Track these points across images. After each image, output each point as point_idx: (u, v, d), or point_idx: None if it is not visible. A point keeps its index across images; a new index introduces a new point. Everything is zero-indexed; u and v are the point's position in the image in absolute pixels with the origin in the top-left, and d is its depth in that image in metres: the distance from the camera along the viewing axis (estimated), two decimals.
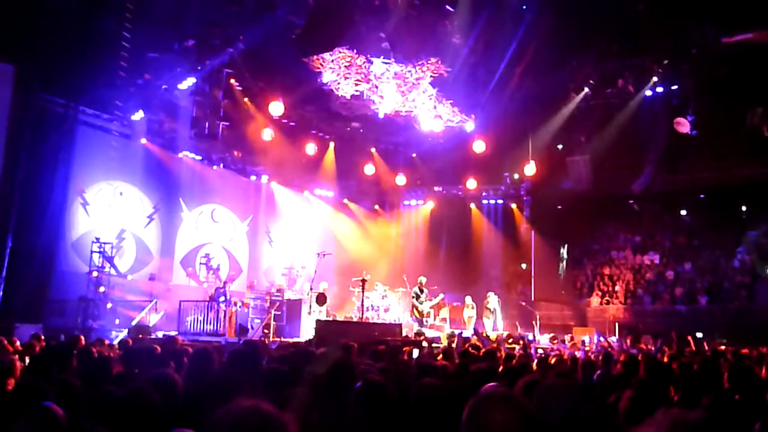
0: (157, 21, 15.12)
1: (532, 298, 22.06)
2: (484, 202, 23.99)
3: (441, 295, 18.14)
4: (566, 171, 21.40)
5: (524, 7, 16.35)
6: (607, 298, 22.35)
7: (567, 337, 17.68)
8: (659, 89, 18.07)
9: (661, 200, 22.88)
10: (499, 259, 23.16)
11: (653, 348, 15.18)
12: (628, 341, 17.44)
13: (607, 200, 22.17)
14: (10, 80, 14.28)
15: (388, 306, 18.22)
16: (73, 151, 15.77)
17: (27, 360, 7.34)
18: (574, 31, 16.38)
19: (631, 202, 23.33)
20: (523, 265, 23.30)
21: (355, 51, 16.54)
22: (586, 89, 18.81)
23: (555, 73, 18.59)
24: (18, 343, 8.77)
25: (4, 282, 13.85)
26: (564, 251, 22.05)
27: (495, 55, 17.23)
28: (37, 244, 14.82)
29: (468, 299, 18.74)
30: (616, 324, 19.76)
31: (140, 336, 13.19)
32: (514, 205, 23.62)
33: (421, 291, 17.40)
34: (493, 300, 18.61)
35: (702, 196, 22.66)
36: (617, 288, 22.52)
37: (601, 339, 17.74)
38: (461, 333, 15.96)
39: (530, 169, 20.40)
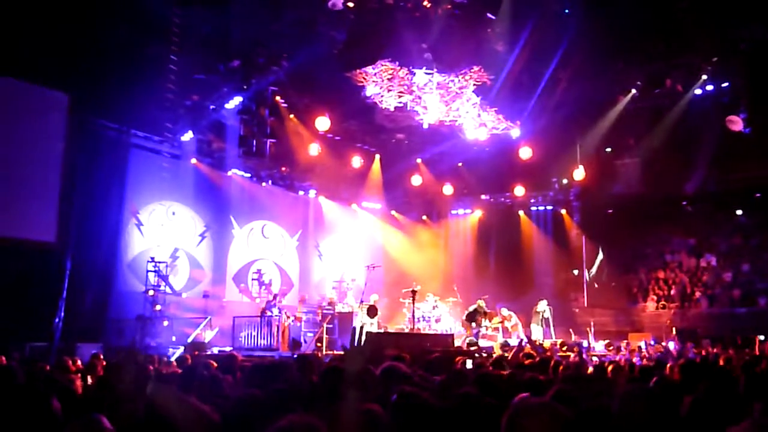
0: (202, 43, 15.49)
1: (585, 305, 21.72)
2: (533, 208, 23.75)
3: (497, 318, 18.04)
4: (616, 174, 21.07)
5: (567, 11, 16.21)
6: (662, 302, 21.86)
7: (623, 344, 17.36)
8: (709, 87, 17.67)
9: (714, 200, 22.28)
10: (550, 265, 22.87)
11: (713, 352, 14.81)
12: (686, 346, 17.03)
13: (658, 203, 21.70)
14: (65, 108, 14.83)
15: (440, 316, 18.17)
16: (127, 173, 16.22)
17: (89, 379, 7.58)
18: (619, 33, 16.13)
19: (684, 203, 22.79)
20: (575, 272, 22.97)
21: (397, 63, 16.61)
22: (634, 91, 18.50)
23: (601, 76, 18.33)
24: (79, 362, 9.02)
25: (65, 303, 14.29)
26: (600, 254, 21.70)
27: (539, 61, 17.08)
28: (94, 265, 15.25)
29: (504, 311, 18.49)
30: (674, 328, 19.29)
31: (196, 352, 13.42)
32: (563, 211, 23.32)
33: (477, 312, 17.28)
34: (543, 306, 18.38)
35: (757, 195, 22.00)
36: (673, 292, 22.02)
37: (659, 344, 17.35)
38: (522, 341, 15.79)
39: (579, 173, 20.15)
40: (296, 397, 3.84)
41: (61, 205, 14.70)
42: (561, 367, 6.97)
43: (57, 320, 14.14)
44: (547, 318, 18.25)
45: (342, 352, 10.54)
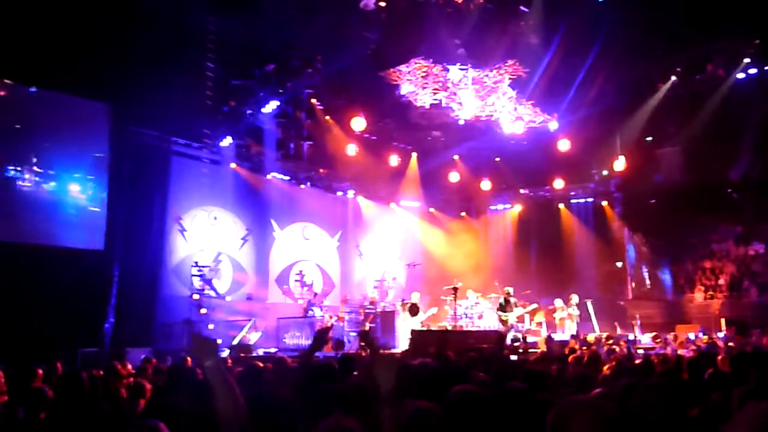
0: (238, 49, 15.71)
1: (630, 297, 21.41)
2: (573, 201, 23.49)
3: (534, 305, 17.91)
4: (657, 164, 20.72)
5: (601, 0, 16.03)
6: (710, 292, 21.42)
7: (671, 336, 17.06)
8: (752, 71, 17.29)
9: (761, 187, 21.74)
10: (593, 258, 22.59)
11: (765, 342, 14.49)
12: (737, 336, 16.67)
13: (702, 191, 21.23)
14: (107, 118, 15.20)
15: (482, 313, 18.11)
16: (169, 180, 16.52)
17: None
18: (657, 19, 15.88)
19: (729, 191, 22.28)
20: (619, 264, 22.65)
21: (431, 60, 16.62)
22: (674, 78, 18.19)
23: (640, 64, 18.06)
24: (129, 366, 9.21)
25: (114, 309, 14.63)
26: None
27: (575, 51, 16.91)
28: (141, 271, 15.58)
29: (558, 302, 18.36)
30: (723, 319, 18.89)
31: (242, 355, 13.61)
32: (604, 203, 23.00)
33: (507, 302, 17.19)
34: (575, 301, 18.16)
35: None
36: (721, 281, 21.57)
37: (708, 336, 17.02)
38: (579, 335, 15.63)
39: (619, 164, 19.87)
40: (339, 398, 3.87)
41: (108, 213, 15.07)
42: (610, 363, 6.90)
43: (107, 326, 14.49)
44: (575, 314, 18.02)
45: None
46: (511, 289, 17.60)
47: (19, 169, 14.06)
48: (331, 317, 16.58)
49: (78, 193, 14.91)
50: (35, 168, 14.34)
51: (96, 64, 13.44)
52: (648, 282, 22.26)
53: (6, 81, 13.91)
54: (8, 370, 7.20)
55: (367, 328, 16.01)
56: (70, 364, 10.84)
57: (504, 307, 17.14)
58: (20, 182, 14.08)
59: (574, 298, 18.16)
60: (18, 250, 13.76)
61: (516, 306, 17.38)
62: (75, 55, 13.07)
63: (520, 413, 3.35)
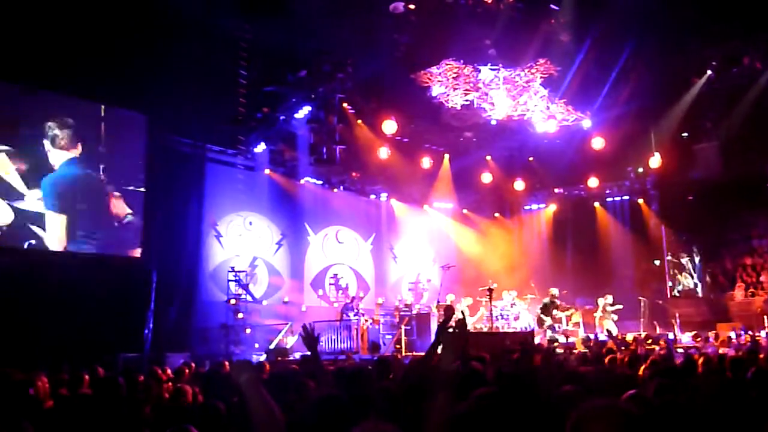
0: (270, 56, 15.86)
1: (669, 295, 21.10)
2: (609, 199, 23.24)
3: (572, 309, 17.78)
4: (694, 160, 20.39)
5: None
6: (751, 289, 21.00)
7: (711, 334, 16.77)
8: None
9: None
10: (630, 257, 22.30)
11: None
12: None
13: (741, 186, 20.82)
14: (144, 128, 15.50)
15: (518, 314, 18.00)
16: (204, 186, 16.74)
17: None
18: (691, 13, 15.63)
19: None
20: (656, 262, 22.33)
21: (461, 61, 16.59)
22: (709, 72, 17.89)
23: (674, 59, 17.79)
24: (169, 371, 9.34)
25: (153, 315, 14.86)
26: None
27: (607, 48, 16.74)
28: (178, 277, 15.81)
29: (600, 301, 18.19)
30: (765, 316, 18.51)
31: (278, 358, 13.71)
32: (640, 200, 22.71)
33: (552, 303, 17.06)
34: (609, 300, 17.95)
35: None
36: (762, 278, 21.13)
37: (750, 334, 16.69)
38: (617, 336, 15.46)
39: (655, 161, 19.61)
40: (375, 402, 3.87)
41: (145, 221, 15.33)
42: (648, 362, 6.80)
43: (146, 331, 14.72)
44: (610, 312, 17.81)
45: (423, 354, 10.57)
46: (556, 291, 17.46)
47: None
48: (366, 320, 16.63)
49: (118, 202, 15.20)
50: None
51: (133, 75, 13.71)
52: (687, 280, 21.91)
53: (49, 91, 14.26)
54: (53, 375, 7.37)
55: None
56: (112, 370, 11.05)
57: (548, 308, 17.01)
58: None
59: (609, 299, 17.97)
60: (61, 257, 14.09)
61: (557, 308, 17.24)
62: (113, 66, 13.34)
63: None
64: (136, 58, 13.48)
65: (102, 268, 14.31)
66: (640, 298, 18.11)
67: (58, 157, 14.24)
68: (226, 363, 9.83)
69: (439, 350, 4.19)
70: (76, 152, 14.50)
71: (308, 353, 4.85)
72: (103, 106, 15.06)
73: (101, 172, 14.96)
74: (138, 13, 13.45)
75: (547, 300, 17.22)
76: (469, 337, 12.78)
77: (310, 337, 4.59)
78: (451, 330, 4.26)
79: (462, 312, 16.57)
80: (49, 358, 10.83)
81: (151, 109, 15.34)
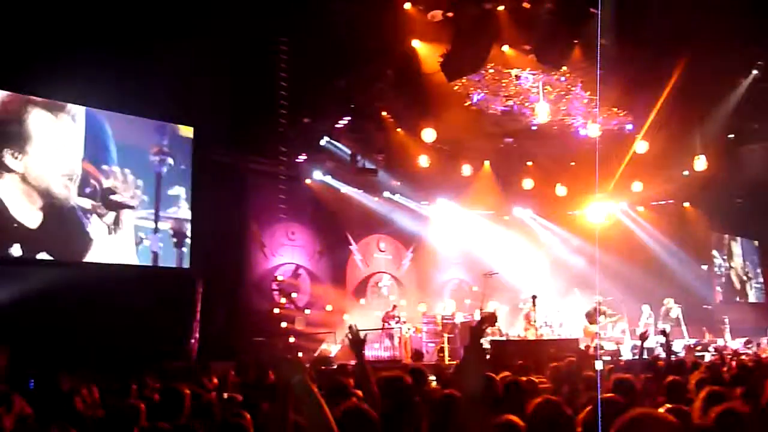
0: (309, 66, 16.00)
1: (718, 301, 20.62)
2: (654, 203, 22.83)
3: (618, 315, 17.51)
4: (741, 161, 19.93)
5: None
6: None
7: (764, 340, 16.35)
8: None
9: None
10: (676, 262, 21.88)
11: None
12: None
13: None
14: (190, 141, 15.84)
15: (563, 321, 17.79)
16: (247, 197, 16.96)
17: (225, 396, 7.94)
18: (736, 10, 15.29)
19: None
20: (704, 267, 21.85)
21: (500, 67, 16.49)
22: (755, 71, 17.46)
23: (719, 58, 17.41)
24: (216, 380, 9.45)
25: (199, 324, 15.09)
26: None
27: (649, 49, 16.48)
28: (223, 286, 16.04)
29: (645, 308, 17.87)
30: None
31: (322, 367, 13.76)
32: (686, 204, 22.27)
33: (596, 310, 16.81)
34: (670, 304, 17.58)
35: None
36: None
37: None
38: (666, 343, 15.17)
39: (700, 163, 19.20)
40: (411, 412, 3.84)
41: (192, 232, 15.61)
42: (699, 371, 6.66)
43: (192, 340, 14.95)
44: (677, 317, 17.44)
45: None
46: (600, 298, 17.24)
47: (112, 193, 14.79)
48: (409, 329, 16.61)
49: (166, 213, 15.54)
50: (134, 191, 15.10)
51: (182, 92, 14.04)
52: (736, 284, 21.40)
53: (103, 110, 14.73)
54: (103, 385, 7.53)
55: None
56: (161, 379, 11.24)
57: (592, 316, 16.77)
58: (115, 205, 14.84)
59: (669, 302, 17.65)
60: (110, 270, 14.42)
61: (603, 314, 16.99)
62: (162, 83, 13.65)
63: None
64: (183, 72, 13.77)
65: (150, 279, 14.63)
66: (676, 305, 17.66)
67: None
68: (271, 372, 9.93)
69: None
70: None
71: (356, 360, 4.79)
72: (154, 121, 15.49)
73: (152, 184, 15.38)
74: (179, 27, 13.74)
75: (591, 307, 16.98)
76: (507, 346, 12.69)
77: (356, 339, 4.55)
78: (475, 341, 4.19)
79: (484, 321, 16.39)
80: (99, 368, 11.07)
81: (198, 123, 15.70)
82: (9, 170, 13.33)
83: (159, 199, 15.47)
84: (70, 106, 14.40)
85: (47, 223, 13.71)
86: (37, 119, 13.84)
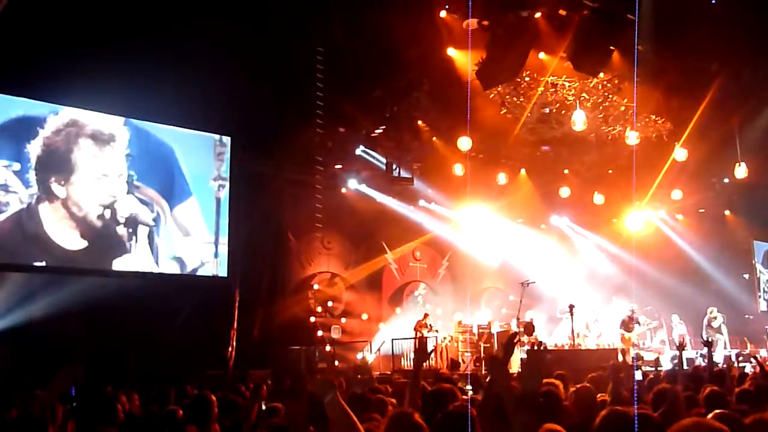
0: (345, 75, 16.12)
1: (760, 310, 20.17)
2: (693, 211, 22.44)
3: (655, 323, 17.24)
4: None
5: (713, 1, 15.34)
6: None
7: None
8: None
9: None
10: (717, 271, 21.45)
11: None
12: None
13: None
14: (227, 150, 16.08)
15: (601, 331, 17.58)
16: (284, 206, 17.12)
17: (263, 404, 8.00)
18: None
19: None
20: (746, 275, 21.39)
21: (536, 75, 16.41)
22: None
23: (758, 64, 17.09)
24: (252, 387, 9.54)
25: (236, 332, 15.25)
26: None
27: (688, 56, 16.26)
28: (259, 294, 16.19)
29: (675, 317, 17.56)
30: None
31: (359, 376, 13.79)
32: (727, 212, 21.85)
33: (630, 319, 16.58)
34: (714, 314, 17.23)
35: None
36: None
37: None
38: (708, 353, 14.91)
39: (741, 171, 18.84)
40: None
41: (230, 240, 15.81)
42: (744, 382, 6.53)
43: (230, 349, 15.10)
44: (719, 327, 17.09)
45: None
46: (635, 306, 17.00)
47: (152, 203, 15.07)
48: (444, 338, 16.56)
49: (204, 222, 15.78)
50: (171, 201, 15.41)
51: (220, 102, 14.27)
52: None
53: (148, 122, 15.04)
54: (143, 392, 7.66)
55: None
56: (199, 387, 11.38)
57: (627, 324, 16.54)
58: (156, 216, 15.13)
59: (713, 312, 17.33)
60: (148, 279, 14.66)
61: (640, 323, 16.75)
62: (200, 91, 13.90)
63: None
64: (224, 87, 14.00)
65: (188, 287, 14.83)
66: (718, 315, 17.28)
67: None
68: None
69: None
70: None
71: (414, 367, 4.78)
72: (193, 131, 15.80)
73: (191, 193, 15.66)
74: (217, 39, 13.96)
75: (626, 316, 16.73)
76: (544, 356, 12.51)
77: (422, 351, 4.57)
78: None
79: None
80: (140, 375, 11.25)
81: (235, 132, 15.92)
82: (61, 185, 13.74)
83: (218, 225, 15.82)
84: (113, 124, 14.74)
85: (93, 236, 14.07)
86: (84, 140, 14.27)
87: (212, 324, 14.80)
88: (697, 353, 16.11)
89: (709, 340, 14.97)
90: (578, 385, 5.14)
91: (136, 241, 14.66)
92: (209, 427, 4.74)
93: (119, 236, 14.46)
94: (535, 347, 4.24)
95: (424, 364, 4.45)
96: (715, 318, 17.13)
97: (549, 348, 16.58)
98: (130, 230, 14.61)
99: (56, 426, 5.15)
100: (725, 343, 17.06)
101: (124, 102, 14.27)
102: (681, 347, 9.63)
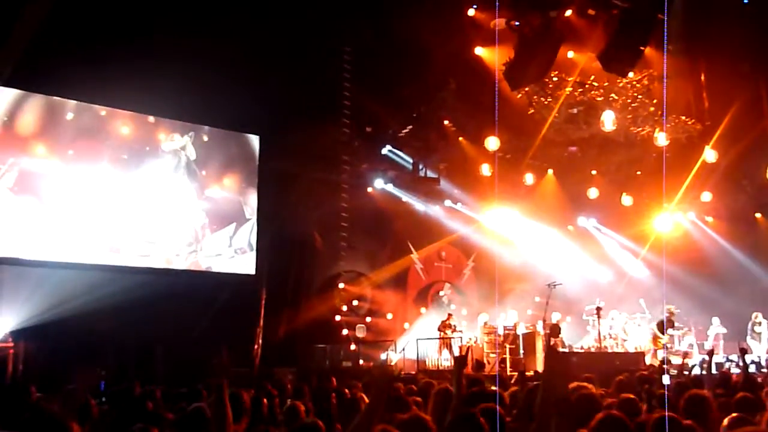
0: (373, 76, 16.16)
1: None
2: (724, 214, 22.09)
3: (685, 329, 17.02)
4: None
5: (745, 1, 15.14)
6: None
7: None
8: None
9: None
10: (748, 274, 21.09)
11: None
12: None
13: None
14: (256, 148, 16.20)
15: (628, 333, 17.40)
16: (311, 205, 17.18)
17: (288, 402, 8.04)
18: None
19: None
20: None
21: (564, 75, 16.31)
22: None
23: None
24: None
25: (262, 330, 15.35)
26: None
27: (719, 56, 16.05)
28: (286, 292, 16.27)
29: (715, 320, 17.31)
30: None
31: (383, 375, 13.78)
32: (758, 215, 21.49)
33: (668, 321, 16.35)
34: (759, 319, 16.96)
35: None
36: None
37: None
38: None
39: None
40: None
41: (258, 238, 15.92)
42: None
43: (256, 346, 15.21)
44: (760, 332, 16.83)
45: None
46: (673, 307, 16.78)
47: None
48: (469, 339, 16.51)
49: (234, 219, 15.96)
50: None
51: (249, 103, 14.40)
52: None
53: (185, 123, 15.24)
54: (170, 390, 7.73)
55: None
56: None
57: (663, 326, 16.29)
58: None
59: (759, 317, 17.05)
60: (175, 275, 14.81)
61: (674, 326, 16.54)
62: (230, 91, 14.03)
63: None
64: (253, 87, 14.10)
65: (216, 285, 14.96)
66: (757, 318, 16.95)
67: None
68: (333, 378, 10.01)
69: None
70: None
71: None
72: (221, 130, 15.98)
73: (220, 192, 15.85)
74: (246, 39, 14.07)
75: (663, 317, 16.49)
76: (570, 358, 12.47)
77: (461, 359, 4.59)
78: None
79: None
80: (167, 372, 11.36)
81: (264, 131, 16.04)
82: None
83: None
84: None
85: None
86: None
87: (239, 321, 14.90)
88: (725, 358, 15.90)
89: (745, 347, 14.80)
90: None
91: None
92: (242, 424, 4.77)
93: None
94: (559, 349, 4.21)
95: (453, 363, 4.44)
96: (760, 323, 16.87)
97: (575, 350, 16.47)
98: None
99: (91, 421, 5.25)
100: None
101: (154, 101, 14.43)
102: (710, 353, 9.54)
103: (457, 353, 15.71)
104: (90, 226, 13.93)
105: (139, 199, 14.65)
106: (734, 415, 3.89)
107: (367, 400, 5.74)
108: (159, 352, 13.66)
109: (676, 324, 16.74)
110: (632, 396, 5.03)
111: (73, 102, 14.18)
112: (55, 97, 14.00)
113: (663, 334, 16.23)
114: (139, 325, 13.16)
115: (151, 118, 15.16)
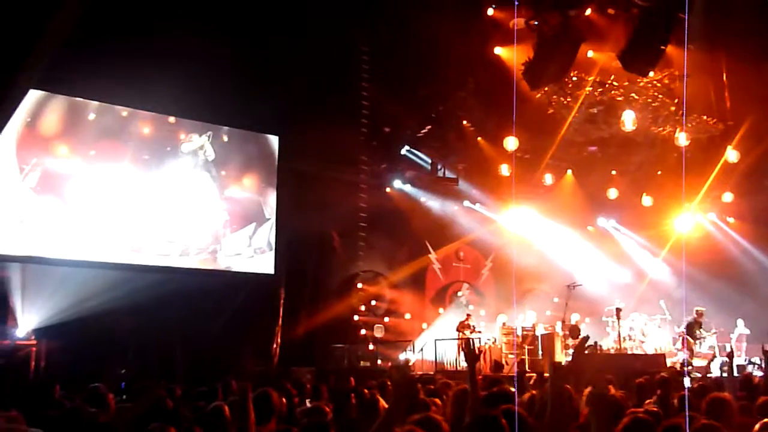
0: (390, 76, 16.16)
1: None
2: (746, 214, 21.84)
3: (713, 330, 16.82)
4: None
5: None
6: None
7: None
8: None
9: None
10: None
11: None
12: None
13: None
14: (275, 148, 16.28)
15: (649, 335, 17.26)
16: (329, 205, 17.22)
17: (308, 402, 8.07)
18: None
19: None
20: None
21: (584, 74, 16.22)
22: None
23: None
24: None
25: (281, 330, 15.41)
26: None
27: (741, 55, 15.86)
28: (304, 292, 16.33)
29: (740, 322, 17.13)
30: None
31: (401, 375, 13.79)
32: None
33: (697, 322, 16.15)
34: None
35: None
36: None
37: None
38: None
39: None
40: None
41: (276, 238, 15.99)
42: None
43: (274, 346, 15.28)
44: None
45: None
46: (702, 308, 16.59)
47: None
48: (488, 340, 16.48)
49: (253, 219, 16.04)
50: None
51: (268, 102, 14.46)
52: None
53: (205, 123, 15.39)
54: (189, 388, 7.79)
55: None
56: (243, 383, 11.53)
57: (693, 327, 16.08)
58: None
59: None
60: (199, 275, 14.92)
61: (701, 327, 16.35)
62: (248, 92, 14.10)
63: None
64: (271, 86, 14.15)
65: (236, 285, 15.05)
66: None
67: None
68: (352, 378, 10.04)
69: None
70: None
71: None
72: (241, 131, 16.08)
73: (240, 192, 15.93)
74: (264, 40, 14.14)
75: (691, 318, 16.30)
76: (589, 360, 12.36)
77: (471, 353, 4.61)
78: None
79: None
80: (187, 371, 11.45)
81: (282, 132, 16.10)
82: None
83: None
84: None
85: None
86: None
87: (257, 321, 14.98)
88: (746, 360, 15.72)
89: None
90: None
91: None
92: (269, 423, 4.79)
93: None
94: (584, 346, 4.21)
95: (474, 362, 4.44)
96: None
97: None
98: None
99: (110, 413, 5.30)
100: None
101: (174, 102, 14.54)
102: (730, 355, 9.43)
103: (481, 355, 15.69)
104: (111, 226, 14.04)
105: (160, 198, 14.76)
106: (766, 420, 3.85)
107: (381, 401, 5.76)
108: (179, 351, 13.76)
109: (703, 325, 16.53)
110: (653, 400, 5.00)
111: (95, 103, 14.28)
112: (77, 98, 14.10)
113: (694, 338, 15.98)
114: (159, 323, 13.27)
115: (172, 119, 15.26)
